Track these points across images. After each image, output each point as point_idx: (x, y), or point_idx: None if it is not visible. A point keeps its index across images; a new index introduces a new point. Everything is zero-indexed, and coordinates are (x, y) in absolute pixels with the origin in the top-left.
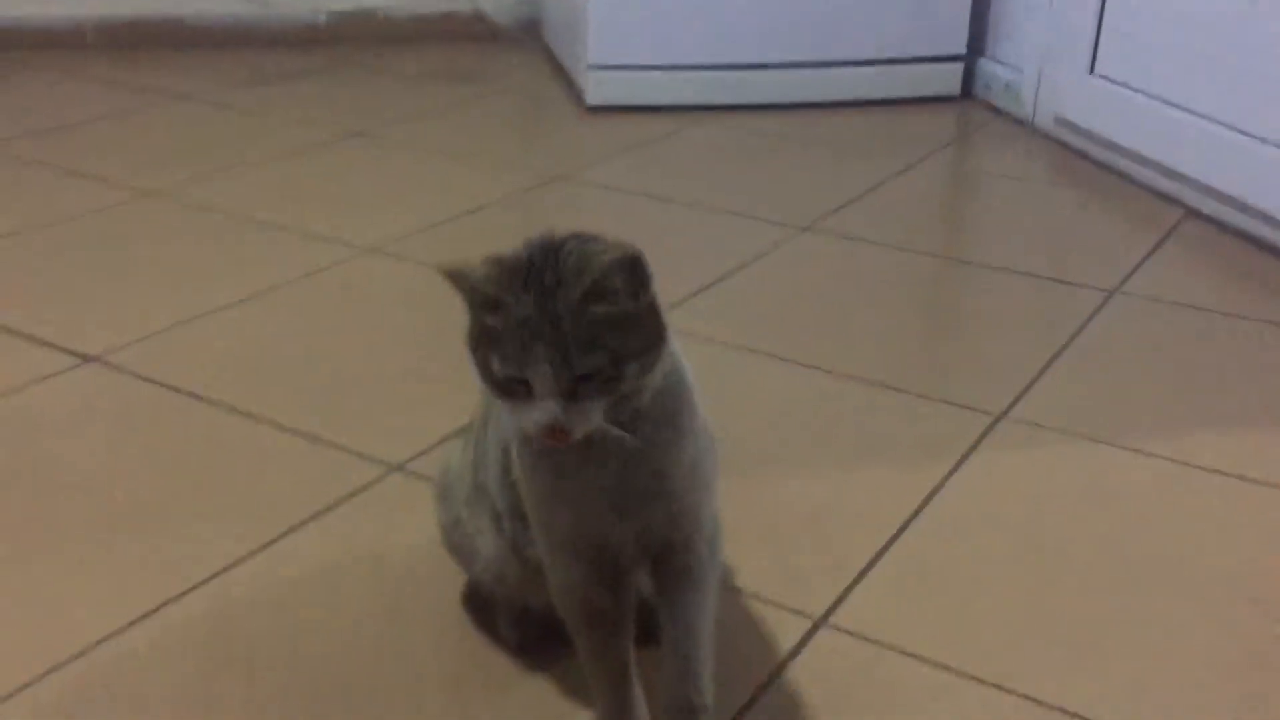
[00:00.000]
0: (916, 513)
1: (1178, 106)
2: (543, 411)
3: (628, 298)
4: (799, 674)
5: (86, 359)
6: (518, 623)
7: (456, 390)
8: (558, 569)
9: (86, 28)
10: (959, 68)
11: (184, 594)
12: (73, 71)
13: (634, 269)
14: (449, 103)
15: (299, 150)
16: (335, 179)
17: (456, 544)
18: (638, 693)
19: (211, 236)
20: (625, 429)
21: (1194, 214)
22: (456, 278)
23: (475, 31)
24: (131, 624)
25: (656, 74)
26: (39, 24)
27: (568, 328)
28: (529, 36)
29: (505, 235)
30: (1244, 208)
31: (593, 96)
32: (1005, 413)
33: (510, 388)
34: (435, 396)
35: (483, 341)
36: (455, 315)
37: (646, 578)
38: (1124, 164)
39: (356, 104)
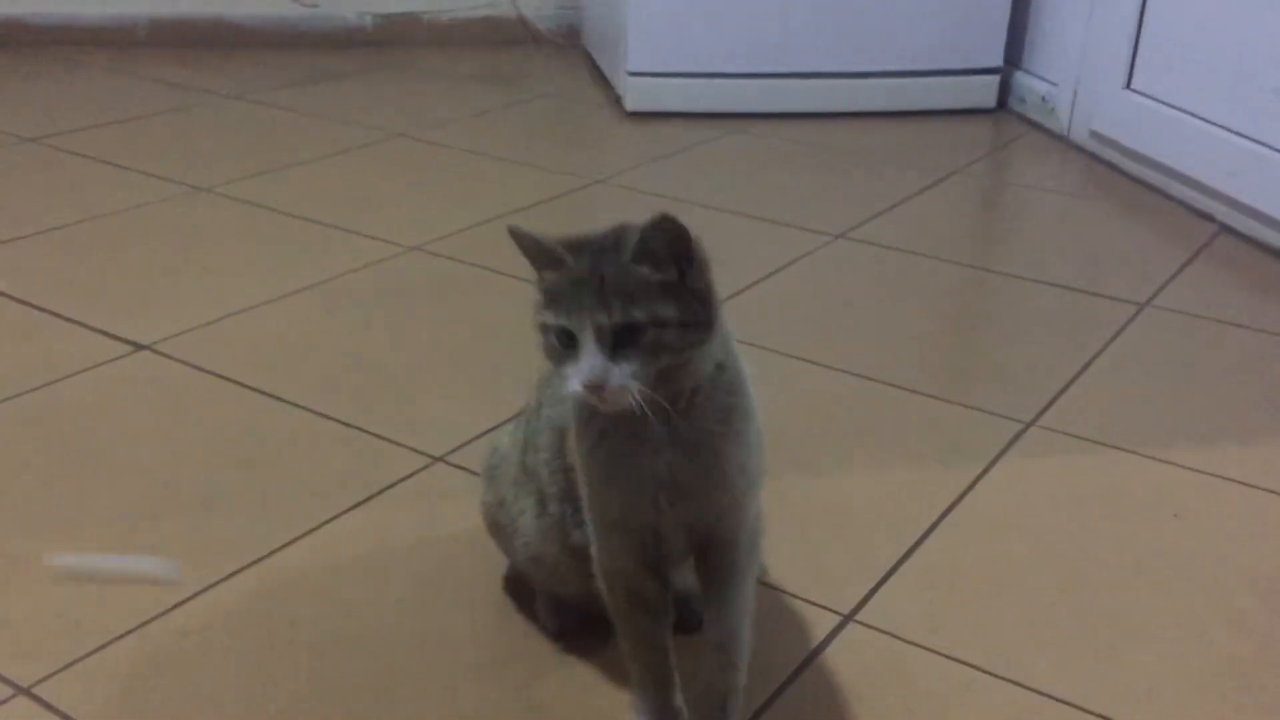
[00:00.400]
0: (944, 515)
1: (1213, 123)
2: (586, 365)
3: (670, 266)
4: (827, 666)
5: (139, 347)
6: (556, 609)
7: (496, 385)
8: (607, 552)
9: (139, 26)
10: (995, 80)
11: (232, 575)
12: (124, 69)
13: (675, 238)
14: (490, 106)
15: (344, 150)
16: (379, 178)
17: (500, 523)
18: (674, 677)
19: (259, 232)
20: (678, 415)
21: (1227, 230)
22: (519, 236)
23: (517, 36)
24: (182, 603)
25: (695, 82)
26: (92, 21)
27: (611, 283)
28: (569, 42)
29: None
30: (1277, 225)
31: (631, 103)
32: (1034, 420)
33: (560, 348)
34: (475, 391)
35: (542, 302)
36: (496, 313)
37: (690, 571)
38: (1158, 179)
39: (400, 106)
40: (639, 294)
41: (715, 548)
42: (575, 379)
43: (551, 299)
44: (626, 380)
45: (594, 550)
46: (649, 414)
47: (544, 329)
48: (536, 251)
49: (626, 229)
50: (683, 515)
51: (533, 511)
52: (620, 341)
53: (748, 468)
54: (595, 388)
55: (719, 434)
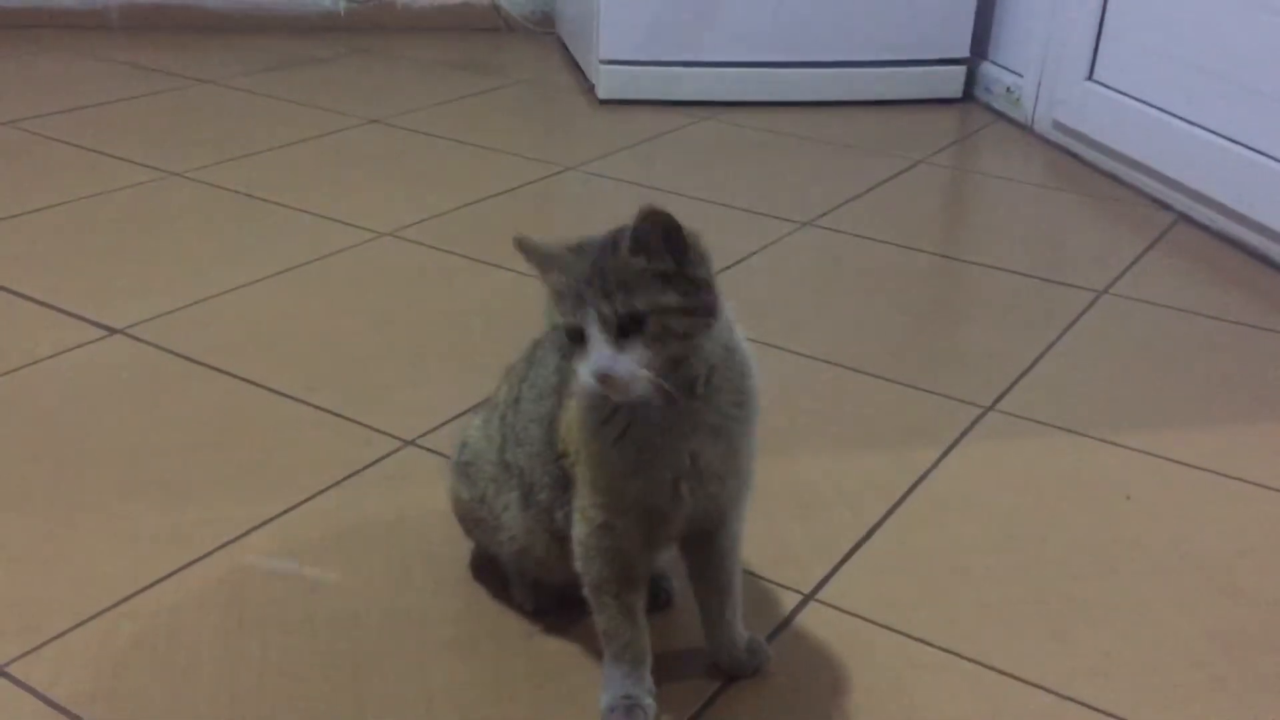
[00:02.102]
0: (904, 497)
1: (1172, 114)
2: (595, 357)
3: (666, 257)
4: (788, 644)
5: (112, 331)
6: (533, 590)
7: (466, 369)
8: (609, 534)
9: (110, 10)
10: (962, 71)
11: (204, 557)
12: (96, 53)
13: (669, 231)
14: (464, 92)
15: (317, 136)
16: (352, 164)
17: (480, 519)
18: (650, 654)
19: (233, 217)
20: (698, 400)
21: (1185, 219)
22: (524, 246)
23: (491, 23)
24: (155, 584)
25: (666, 70)
26: (64, 5)
27: (611, 276)
28: (543, 30)
29: (516, 223)
30: (1233, 215)
31: (603, 90)
32: (993, 405)
33: (570, 344)
34: (446, 375)
35: (551, 303)
36: (467, 299)
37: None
38: (1119, 169)
39: (373, 92)
40: (637, 284)
41: (716, 525)
42: (585, 371)
43: (559, 299)
44: (634, 368)
45: (586, 531)
46: (668, 399)
47: (554, 329)
48: (541, 258)
49: (624, 228)
50: (700, 499)
51: (517, 506)
52: (625, 332)
53: (755, 449)
54: (604, 378)
55: (738, 417)
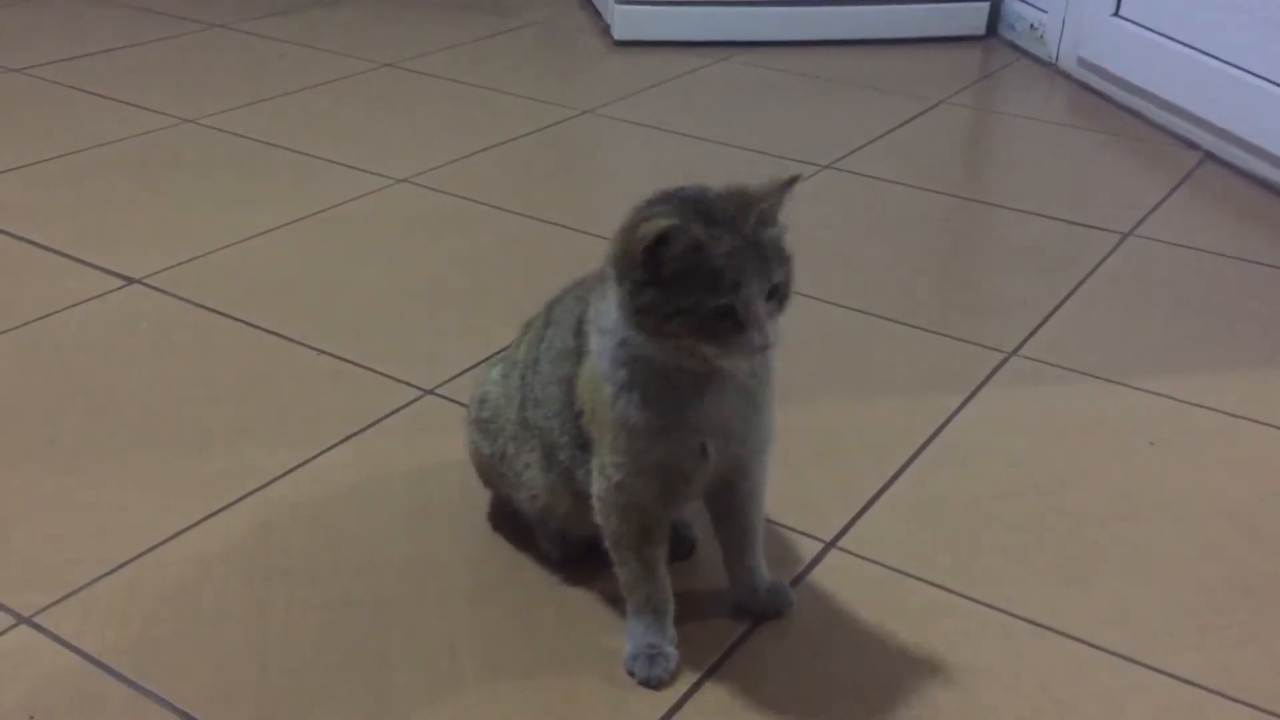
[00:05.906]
0: (926, 444)
1: (1199, 50)
2: (768, 330)
3: (778, 223)
4: (809, 591)
5: (129, 281)
6: (559, 539)
7: (484, 318)
8: (628, 491)
9: None
10: (985, 7)
11: (227, 507)
12: None
13: (785, 193)
14: (477, 35)
15: (332, 80)
16: (367, 110)
17: (501, 473)
18: (672, 604)
19: (248, 164)
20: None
21: (1212, 158)
22: (676, 236)
23: None
24: (178, 534)
25: (683, 10)
26: None
27: (765, 250)
28: None
29: (532, 168)
30: (1262, 153)
31: (619, 31)
32: (1016, 350)
33: (714, 324)
34: (464, 323)
35: (679, 287)
36: (484, 245)
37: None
38: (1145, 107)
39: (388, 35)
40: (781, 254)
41: (739, 475)
42: (752, 345)
43: (697, 280)
44: (779, 336)
45: (605, 488)
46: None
47: (680, 313)
48: (687, 246)
49: (712, 193)
50: (725, 458)
51: (539, 465)
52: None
53: (775, 402)
54: (768, 347)
55: (761, 378)
